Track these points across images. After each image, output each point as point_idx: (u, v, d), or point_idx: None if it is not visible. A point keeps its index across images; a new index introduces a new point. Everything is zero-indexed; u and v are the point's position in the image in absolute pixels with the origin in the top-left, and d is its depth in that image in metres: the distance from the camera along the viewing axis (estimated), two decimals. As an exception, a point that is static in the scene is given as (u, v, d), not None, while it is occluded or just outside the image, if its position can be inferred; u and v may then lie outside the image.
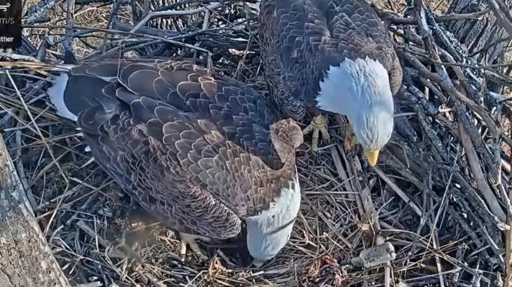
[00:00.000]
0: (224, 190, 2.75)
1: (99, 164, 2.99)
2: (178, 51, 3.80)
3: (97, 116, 2.83)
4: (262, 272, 3.12)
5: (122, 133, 2.78)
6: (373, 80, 2.73)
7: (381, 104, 2.71)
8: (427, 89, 3.49)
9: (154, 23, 4.54)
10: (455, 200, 3.25)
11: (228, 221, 2.80)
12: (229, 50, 3.84)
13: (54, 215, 3.09)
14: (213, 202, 2.75)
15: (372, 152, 2.78)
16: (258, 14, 3.40)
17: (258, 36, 3.43)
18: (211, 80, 2.93)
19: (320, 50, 2.86)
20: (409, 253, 3.10)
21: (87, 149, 3.05)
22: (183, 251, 3.18)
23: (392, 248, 3.02)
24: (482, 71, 3.48)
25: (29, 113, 3.22)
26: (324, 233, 3.24)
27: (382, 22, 3.51)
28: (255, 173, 2.80)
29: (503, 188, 2.98)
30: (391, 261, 3.05)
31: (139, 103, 2.80)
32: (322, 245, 3.21)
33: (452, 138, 3.36)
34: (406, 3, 3.82)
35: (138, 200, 2.92)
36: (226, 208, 2.78)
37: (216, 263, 3.11)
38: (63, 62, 3.38)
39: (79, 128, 3.00)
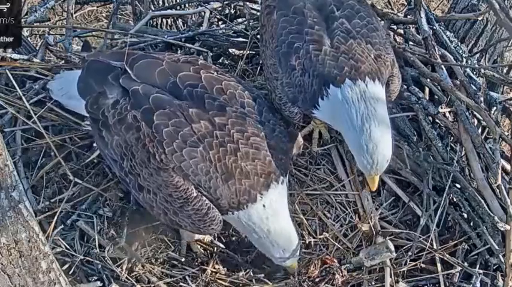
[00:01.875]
0: (206, 181, 2.73)
1: (100, 151, 3.02)
2: (178, 51, 3.80)
3: (100, 101, 2.88)
4: (262, 274, 3.11)
5: (118, 117, 2.81)
6: (373, 108, 2.76)
7: (380, 131, 2.75)
8: (427, 89, 3.48)
9: (154, 23, 4.54)
10: (455, 200, 3.25)
11: (208, 216, 2.76)
12: (229, 50, 3.84)
13: (54, 215, 3.09)
14: (194, 194, 2.73)
15: (373, 177, 2.83)
16: (258, 13, 3.40)
17: (258, 35, 3.43)
18: (213, 74, 2.93)
19: (320, 61, 2.86)
20: (409, 253, 3.10)
21: (94, 144, 3.09)
22: (183, 251, 3.18)
23: (391, 246, 3.02)
24: (482, 71, 3.48)
25: (31, 112, 3.24)
26: (324, 233, 3.23)
27: (382, 22, 3.52)
28: (242, 164, 2.75)
29: (503, 188, 2.99)
30: (391, 261, 3.05)
31: (137, 90, 2.82)
32: (322, 246, 3.21)
33: (452, 138, 3.36)
34: (406, 3, 3.83)
35: (129, 189, 2.93)
36: (207, 201, 2.75)
37: (216, 263, 3.12)
38: (63, 61, 3.41)
39: (86, 123, 3.05)
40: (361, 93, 2.78)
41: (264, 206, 2.80)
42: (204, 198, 2.75)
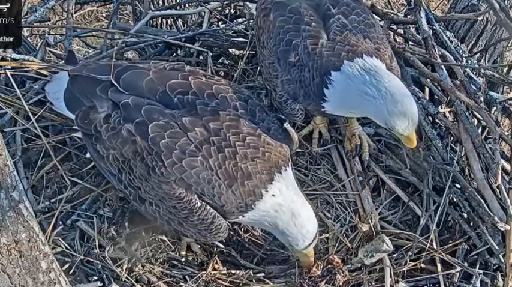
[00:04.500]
0: (209, 190, 2.73)
1: (96, 163, 3.00)
2: (178, 51, 3.81)
3: (91, 115, 2.86)
4: (262, 274, 3.11)
5: (112, 132, 2.80)
6: (375, 73, 2.77)
7: (396, 89, 2.74)
8: (427, 89, 3.49)
9: (154, 23, 4.54)
10: (455, 200, 3.25)
11: (214, 224, 2.77)
12: (229, 50, 3.84)
13: (54, 215, 3.09)
14: (199, 204, 2.74)
15: (409, 136, 2.79)
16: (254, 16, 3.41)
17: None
18: (202, 79, 2.92)
19: (318, 53, 2.88)
20: (409, 253, 3.10)
21: (88, 155, 3.07)
22: (183, 251, 3.18)
23: (387, 239, 3.02)
24: (482, 71, 3.48)
25: (29, 113, 3.23)
26: (324, 233, 3.23)
27: (382, 22, 3.52)
28: (241, 166, 2.74)
29: (503, 188, 2.99)
30: (391, 261, 3.05)
31: (128, 103, 2.81)
32: (321, 246, 3.21)
33: (452, 138, 3.37)
34: (406, 3, 3.83)
35: (130, 200, 2.93)
36: (212, 210, 2.76)
37: (216, 263, 3.12)
38: (63, 62, 3.39)
39: (76, 127, 3.01)
40: (361, 67, 2.80)
41: (273, 195, 2.79)
42: (209, 207, 2.76)
